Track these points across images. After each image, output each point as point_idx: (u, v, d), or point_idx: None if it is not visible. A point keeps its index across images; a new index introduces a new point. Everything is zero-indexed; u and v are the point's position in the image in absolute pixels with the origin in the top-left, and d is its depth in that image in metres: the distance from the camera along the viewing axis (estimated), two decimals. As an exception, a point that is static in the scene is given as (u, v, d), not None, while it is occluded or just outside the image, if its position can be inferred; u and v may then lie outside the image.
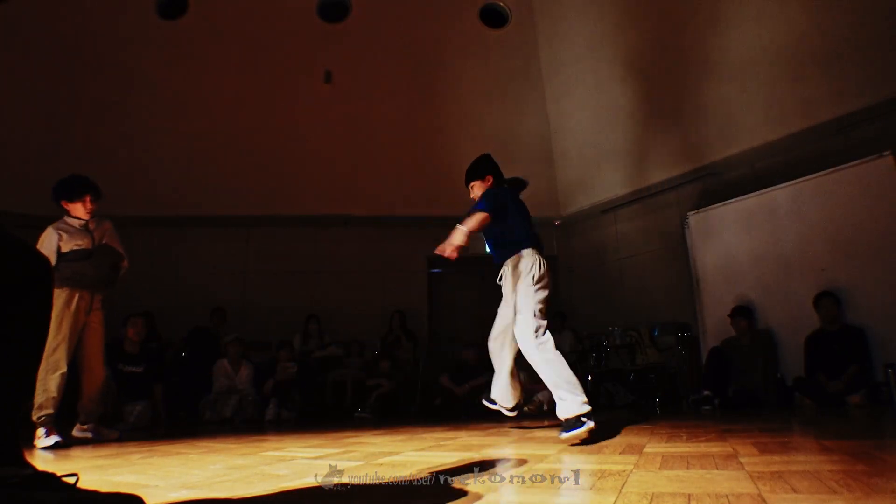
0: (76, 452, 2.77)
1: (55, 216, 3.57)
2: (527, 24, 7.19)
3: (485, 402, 3.41)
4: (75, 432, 3.42)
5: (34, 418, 3.13)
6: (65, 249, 3.37)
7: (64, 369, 3.26)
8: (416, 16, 7.07)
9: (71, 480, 1.10)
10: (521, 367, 5.59)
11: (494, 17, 7.24)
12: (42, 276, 1.18)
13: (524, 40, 7.23)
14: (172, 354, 6.12)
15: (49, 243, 3.37)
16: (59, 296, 3.23)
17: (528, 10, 7.14)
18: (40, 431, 3.11)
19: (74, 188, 3.45)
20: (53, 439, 3.09)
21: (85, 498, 1.08)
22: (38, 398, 3.16)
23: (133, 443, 3.20)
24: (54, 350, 3.23)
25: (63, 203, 3.47)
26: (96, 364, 3.50)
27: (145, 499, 1.09)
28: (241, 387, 5.60)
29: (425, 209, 7.21)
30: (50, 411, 3.18)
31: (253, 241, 7.36)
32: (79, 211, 3.48)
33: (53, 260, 3.31)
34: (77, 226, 3.48)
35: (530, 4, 7.12)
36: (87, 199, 3.48)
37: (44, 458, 2.55)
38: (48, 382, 3.20)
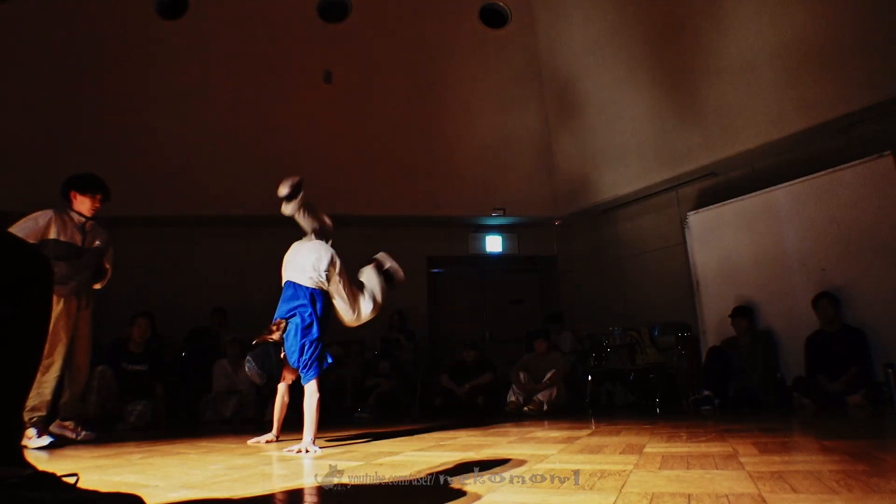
0: (76, 452, 2.76)
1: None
2: (527, 24, 7.19)
3: None
4: (54, 428, 3.37)
5: (26, 419, 3.11)
6: (51, 236, 3.28)
7: (58, 372, 3.26)
8: (416, 16, 7.07)
9: (71, 480, 1.10)
10: (522, 367, 5.64)
11: (494, 17, 7.25)
12: (41, 275, 1.18)
13: (524, 40, 7.23)
14: (172, 354, 6.12)
15: (41, 220, 3.28)
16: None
17: (528, 10, 7.14)
18: (31, 432, 3.09)
19: (90, 182, 3.48)
20: (47, 439, 3.09)
21: (85, 498, 1.08)
22: (32, 400, 3.14)
23: (133, 443, 3.20)
24: (49, 352, 3.20)
25: (72, 193, 3.45)
26: (83, 364, 3.51)
27: (145, 499, 1.09)
28: (241, 387, 5.59)
29: (425, 209, 7.20)
30: (42, 413, 3.19)
31: (253, 241, 7.35)
32: (84, 205, 3.46)
33: (35, 239, 3.20)
34: (76, 221, 3.45)
35: (530, 4, 7.12)
36: (98, 197, 3.49)
37: (43, 458, 2.55)
38: (42, 385, 3.20)
